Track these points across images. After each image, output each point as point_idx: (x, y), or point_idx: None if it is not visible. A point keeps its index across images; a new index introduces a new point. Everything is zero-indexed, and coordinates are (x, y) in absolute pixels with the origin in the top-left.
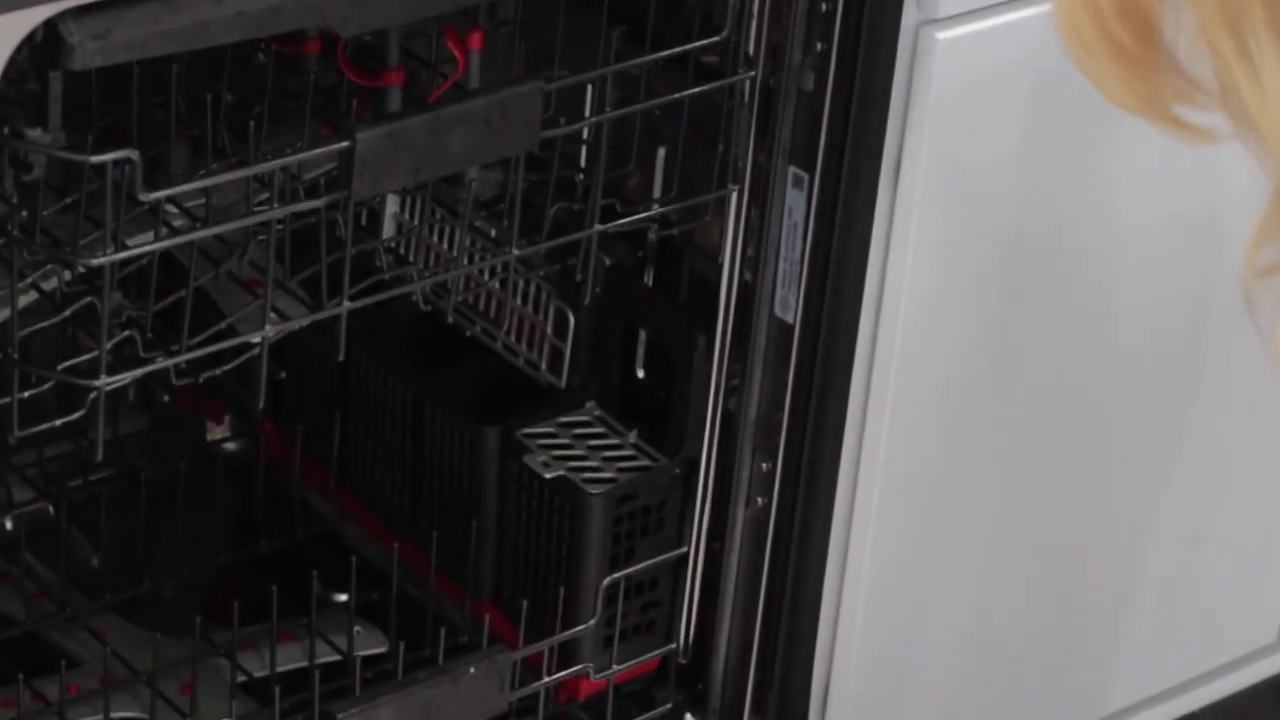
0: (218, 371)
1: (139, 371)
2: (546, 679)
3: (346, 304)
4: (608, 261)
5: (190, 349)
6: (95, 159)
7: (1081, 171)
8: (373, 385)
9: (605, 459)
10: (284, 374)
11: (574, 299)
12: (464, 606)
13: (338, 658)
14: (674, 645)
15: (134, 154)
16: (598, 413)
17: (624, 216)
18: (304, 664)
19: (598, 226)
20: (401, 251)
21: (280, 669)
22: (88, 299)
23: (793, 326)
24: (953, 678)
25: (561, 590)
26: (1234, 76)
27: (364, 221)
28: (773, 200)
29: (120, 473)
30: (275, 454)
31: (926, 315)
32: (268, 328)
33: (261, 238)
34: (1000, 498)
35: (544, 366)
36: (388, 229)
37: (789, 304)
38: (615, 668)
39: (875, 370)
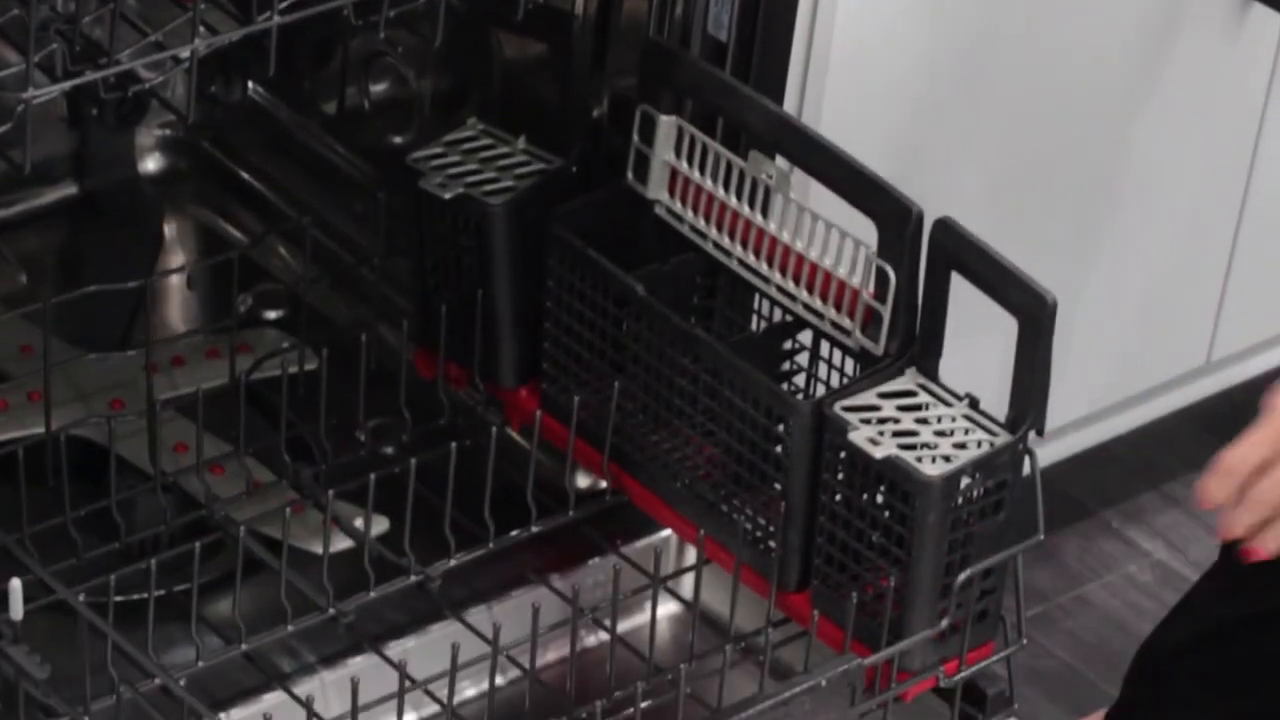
0: (145, 85)
1: (66, 84)
2: (895, 687)
3: (277, 18)
4: None
5: (118, 63)
6: None
7: None
8: (654, 351)
9: None
10: (213, 88)
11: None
12: (769, 597)
13: None
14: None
15: None
16: None
17: None
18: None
19: None
20: None
21: None
22: (14, 11)
23: (726, 44)
24: None
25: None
26: None
27: None
28: None
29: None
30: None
31: (864, 37)
32: (197, 41)
33: None
34: None
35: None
36: None
37: (722, 22)
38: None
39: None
